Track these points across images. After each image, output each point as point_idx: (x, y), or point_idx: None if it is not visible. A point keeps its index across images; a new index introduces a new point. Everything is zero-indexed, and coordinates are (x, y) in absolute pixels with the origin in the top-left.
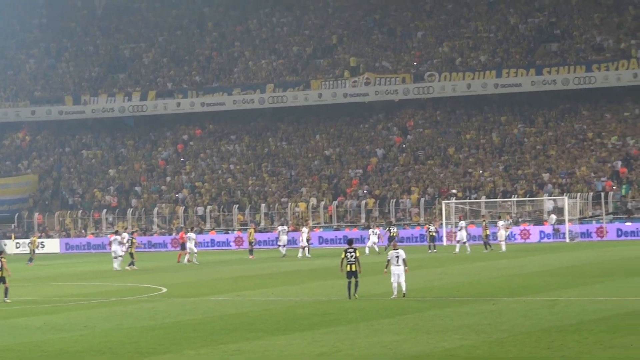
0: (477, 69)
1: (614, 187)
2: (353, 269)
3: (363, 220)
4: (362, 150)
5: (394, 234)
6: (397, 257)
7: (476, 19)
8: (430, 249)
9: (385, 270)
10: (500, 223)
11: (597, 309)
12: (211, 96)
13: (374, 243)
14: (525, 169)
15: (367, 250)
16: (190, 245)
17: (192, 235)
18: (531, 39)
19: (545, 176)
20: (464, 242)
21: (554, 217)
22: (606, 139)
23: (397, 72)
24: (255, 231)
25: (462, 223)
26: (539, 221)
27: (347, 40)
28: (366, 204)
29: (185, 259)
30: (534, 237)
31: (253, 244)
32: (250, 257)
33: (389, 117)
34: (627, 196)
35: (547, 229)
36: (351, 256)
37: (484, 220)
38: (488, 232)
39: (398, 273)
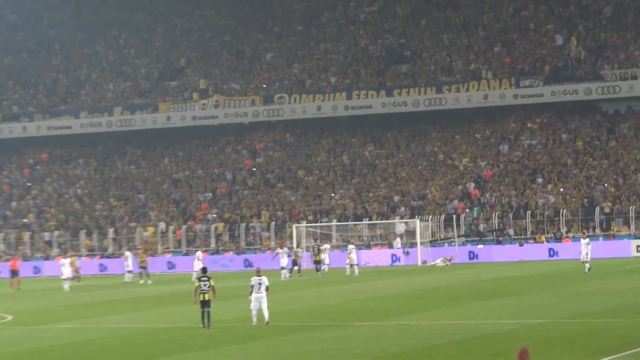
0: (327, 91)
1: (466, 210)
2: (206, 298)
3: (213, 245)
4: (212, 173)
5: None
6: (260, 284)
7: (326, 40)
8: (299, 272)
9: (249, 297)
10: (351, 247)
11: (448, 333)
12: (58, 119)
13: (283, 268)
14: (377, 191)
15: (284, 275)
16: (65, 270)
17: (65, 261)
18: (381, 60)
19: (397, 198)
20: (353, 265)
21: (398, 240)
22: (457, 161)
23: (246, 94)
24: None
25: (351, 246)
26: (391, 244)
27: (196, 62)
28: (216, 228)
29: (66, 285)
30: (386, 261)
31: (76, 273)
32: (77, 284)
33: (238, 140)
34: (479, 218)
35: (398, 252)
36: (205, 285)
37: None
38: (319, 258)
39: (260, 299)
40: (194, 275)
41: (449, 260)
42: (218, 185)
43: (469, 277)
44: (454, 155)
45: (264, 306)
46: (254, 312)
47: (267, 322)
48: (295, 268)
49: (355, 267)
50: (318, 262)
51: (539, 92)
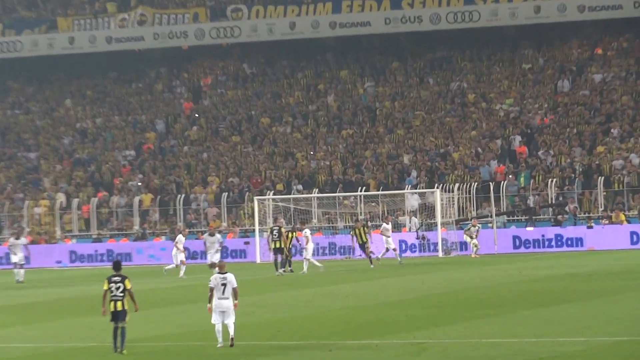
0: (306, 1)
1: (509, 176)
2: (119, 308)
3: (137, 227)
4: (135, 121)
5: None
6: (224, 285)
7: None
8: (281, 267)
9: (208, 305)
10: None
11: (483, 356)
12: None
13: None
14: (378, 148)
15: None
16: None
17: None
18: None
19: (407, 159)
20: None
21: (416, 220)
22: (496, 103)
23: (186, 6)
24: None
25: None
26: (398, 227)
27: None
28: (141, 202)
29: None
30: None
31: None
32: None
33: (174, 73)
34: (527, 188)
35: (410, 237)
36: (117, 288)
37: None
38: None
39: (225, 309)
40: (182, 270)
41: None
42: (144, 138)
43: (512, 274)
44: (491, 95)
45: (230, 320)
46: (217, 328)
47: (232, 342)
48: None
49: (391, 252)
50: (279, 251)
51: (616, 2)
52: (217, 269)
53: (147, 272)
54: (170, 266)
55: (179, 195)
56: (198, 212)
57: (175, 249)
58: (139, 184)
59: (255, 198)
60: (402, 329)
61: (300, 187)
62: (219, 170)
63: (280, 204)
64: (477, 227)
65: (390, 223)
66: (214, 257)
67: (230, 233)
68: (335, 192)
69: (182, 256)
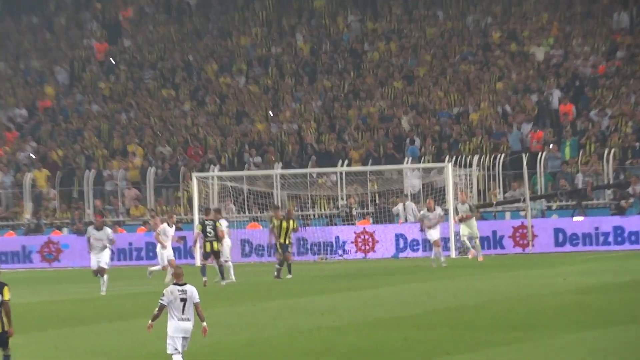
0: None
1: (550, 145)
2: None
3: (28, 216)
4: (28, 70)
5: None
6: (184, 300)
7: None
8: (277, 273)
9: (150, 322)
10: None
11: None
12: None
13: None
14: (365, 106)
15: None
16: None
17: None
18: None
19: (406, 121)
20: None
21: (413, 207)
22: (530, 44)
23: None
24: None
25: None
26: (390, 217)
27: None
28: (34, 182)
29: None
30: (385, 248)
31: None
32: None
33: (82, 2)
34: (574, 162)
35: (410, 230)
36: None
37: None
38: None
39: (187, 334)
40: (168, 276)
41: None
42: (40, 94)
43: (553, 281)
44: (524, 33)
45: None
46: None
47: None
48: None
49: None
50: (212, 256)
51: None
52: (171, 278)
53: (41, 277)
54: (155, 267)
55: (88, 172)
56: (114, 194)
57: (158, 245)
58: (32, 156)
59: (195, 175)
60: (399, 359)
61: (257, 159)
62: (143, 136)
63: (229, 184)
64: (468, 205)
65: (436, 209)
66: (100, 258)
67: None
68: (307, 167)
69: (169, 254)
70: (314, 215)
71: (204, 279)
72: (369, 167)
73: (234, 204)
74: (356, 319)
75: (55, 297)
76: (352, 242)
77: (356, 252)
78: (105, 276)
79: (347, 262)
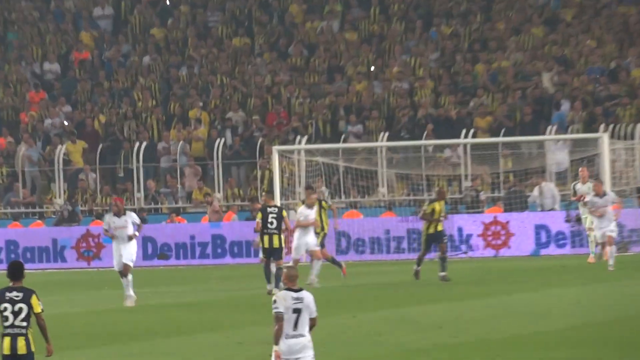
0: None
1: None
2: (20, 350)
3: (59, 200)
4: (60, 11)
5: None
6: (299, 312)
7: None
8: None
9: (275, 349)
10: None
11: None
12: None
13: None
14: (491, 57)
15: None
16: None
17: None
18: None
19: (549, 78)
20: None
21: (554, 190)
22: None
23: None
24: None
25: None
26: (522, 202)
27: None
28: (67, 156)
29: None
30: (522, 243)
31: None
32: None
33: None
34: None
35: (553, 220)
36: (16, 314)
37: None
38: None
39: (300, 355)
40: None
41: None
42: (74, 40)
43: None
44: None
45: None
46: None
47: None
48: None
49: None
50: (274, 254)
51: None
52: (282, 282)
53: (77, 280)
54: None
55: (138, 144)
56: (172, 173)
57: (297, 232)
58: (65, 123)
59: (276, 149)
60: None
61: (357, 128)
62: (209, 99)
63: (320, 159)
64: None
65: (608, 193)
66: (124, 252)
67: (229, 212)
68: (421, 139)
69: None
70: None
71: (268, 287)
72: (501, 139)
73: (327, 186)
74: (483, 334)
75: (95, 305)
76: (479, 236)
77: (485, 247)
78: (130, 276)
79: (472, 261)
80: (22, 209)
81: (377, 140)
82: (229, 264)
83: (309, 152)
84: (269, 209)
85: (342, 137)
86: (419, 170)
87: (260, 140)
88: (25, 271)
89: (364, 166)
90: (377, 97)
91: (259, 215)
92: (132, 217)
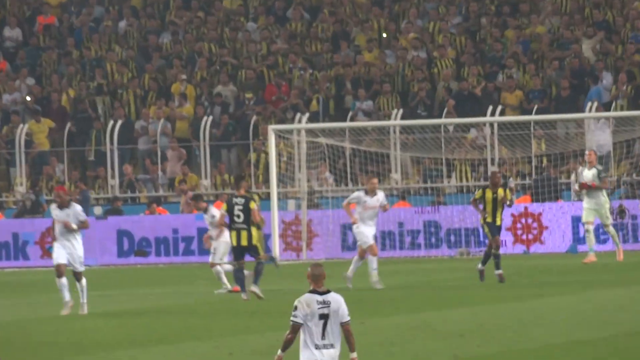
0: None
1: None
2: None
3: (22, 188)
4: None
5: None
6: (325, 318)
7: None
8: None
9: (279, 354)
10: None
11: None
12: None
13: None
14: (524, 23)
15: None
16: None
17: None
18: None
19: (589, 46)
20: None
21: (596, 172)
22: None
23: None
24: None
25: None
26: (554, 190)
27: None
28: (30, 137)
29: None
30: (557, 238)
31: None
32: None
33: None
34: None
35: (588, 212)
36: None
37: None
38: None
39: None
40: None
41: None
42: (38, 2)
43: None
44: None
45: None
46: None
47: None
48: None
49: None
50: (242, 252)
51: None
52: (312, 281)
53: (41, 280)
54: (221, 289)
55: (113, 123)
56: (152, 157)
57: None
58: (28, 99)
59: (272, 128)
60: None
61: (367, 104)
62: (194, 70)
63: (324, 141)
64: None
65: None
66: (72, 253)
67: (217, 202)
68: (440, 117)
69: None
70: (451, 190)
71: (243, 296)
72: (532, 117)
73: (331, 171)
74: (511, 344)
75: (61, 310)
76: (507, 229)
77: (514, 243)
78: (84, 280)
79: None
80: None
81: (389, 119)
82: None
83: (310, 132)
84: (235, 200)
85: (349, 115)
86: (438, 153)
87: (254, 118)
88: None
89: (374, 148)
90: (389, 68)
91: (224, 207)
92: (75, 212)
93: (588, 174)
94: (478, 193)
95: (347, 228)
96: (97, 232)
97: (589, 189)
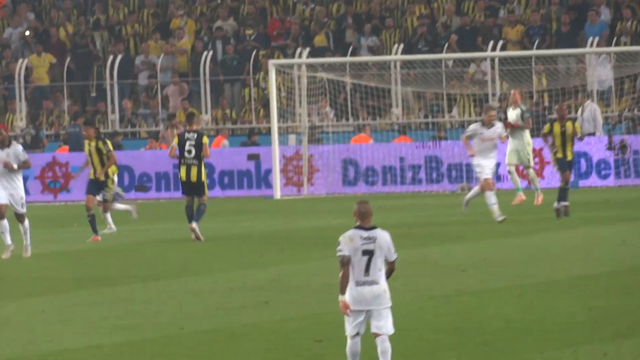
0: None
1: None
2: None
3: (21, 123)
4: None
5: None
6: (370, 253)
7: None
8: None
9: (342, 298)
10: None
11: None
12: None
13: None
14: None
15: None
16: None
17: None
18: None
19: None
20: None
21: (595, 108)
22: None
23: None
24: None
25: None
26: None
27: None
28: (29, 71)
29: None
30: (556, 174)
31: None
32: None
33: None
34: None
35: (593, 146)
36: None
37: None
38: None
39: (371, 306)
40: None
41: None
42: None
43: None
44: None
45: (386, 328)
46: (352, 346)
47: None
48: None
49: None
50: (194, 187)
51: None
52: (358, 217)
53: (42, 215)
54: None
55: (113, 57)
56: (150, 92)
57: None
58: (27, 33)
59: (273, 63)
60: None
61: (372, 41)
62: (194, 4)
63: (324, 76)
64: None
65: None
66: (13, 193)
67: (218, 137)
68: (441, 52)
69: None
70: (451, 125)
71: (192, 228)
72: (534, 52)
73: (332, 106)
74: (514, 278)
75: (61, 245)
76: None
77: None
78: (27, 222)
79: (499, 194)
80: None
81: (390, 54)
82: (218, 197)
83: (310, 67)
84: (187, 135)
85: (350, 50)
86: (438, 88)
87: (254, 53)
88: None
89: (375, 83)
90: (389, 2)
91: (176, 140)
92: (16, 151)
93: (512, 114)
94: (546, 127)
95: (347, 163)
96: None
97: (512, 128)
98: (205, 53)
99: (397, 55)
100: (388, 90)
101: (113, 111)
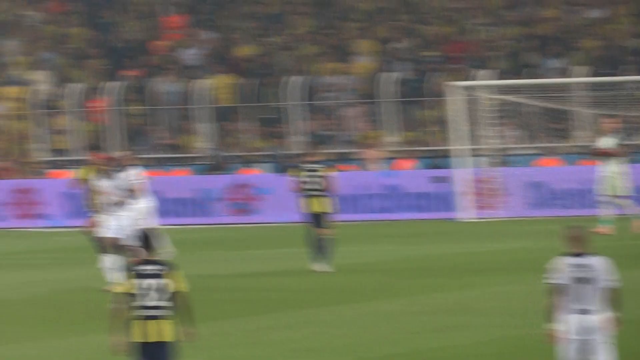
0: None
1: None
2: (154, 337)
3: (204, 144)
4: None
5: None
6: (587, 282)
7: None
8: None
9: (550, 327)
10: None
11: None
12: None
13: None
14: None
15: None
16: None
17: None
18: None
19: None
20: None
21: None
22: None
23: None
24: None
25: None
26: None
27: None
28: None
29: None
30: None
31: None
32: None
33: None
34: None
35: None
36: (151, 291)
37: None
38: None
39: (590, 336)
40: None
41: None
42: None
43: None
44: None
45: None
46: None
47: None
48: None
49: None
50: (318, 220)
51: None
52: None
53: (228, 238)
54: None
55: (296, 78)
56: (329, 114)
57: None
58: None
59: (454, 85)
60: None
61: (553, 63)
62: (375, 26)
63: (505, 97)
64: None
65: None
66: (120, 224)
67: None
68: (621, 75)
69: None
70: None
71: (318, 266)
72: None
73: (516, 129)
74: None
75: (248, 267)
76: None
77: None
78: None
79: None
80: (160, 154)
81: (571, 75)
82: (401, 220)
83: (492, 88)
84: (309, 166)
85: (525, 71)
86: (623, 110)
87: (432, 74)
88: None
89: (556, 105)
90: (570, 25)
91: (299, 173)
92: (130, 176)
93: (608, 142)
94: None
95: (530, 186)
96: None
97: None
98: (384, 74)
99: (579, 78)
100: (569, 112)
101: (295, 133)
